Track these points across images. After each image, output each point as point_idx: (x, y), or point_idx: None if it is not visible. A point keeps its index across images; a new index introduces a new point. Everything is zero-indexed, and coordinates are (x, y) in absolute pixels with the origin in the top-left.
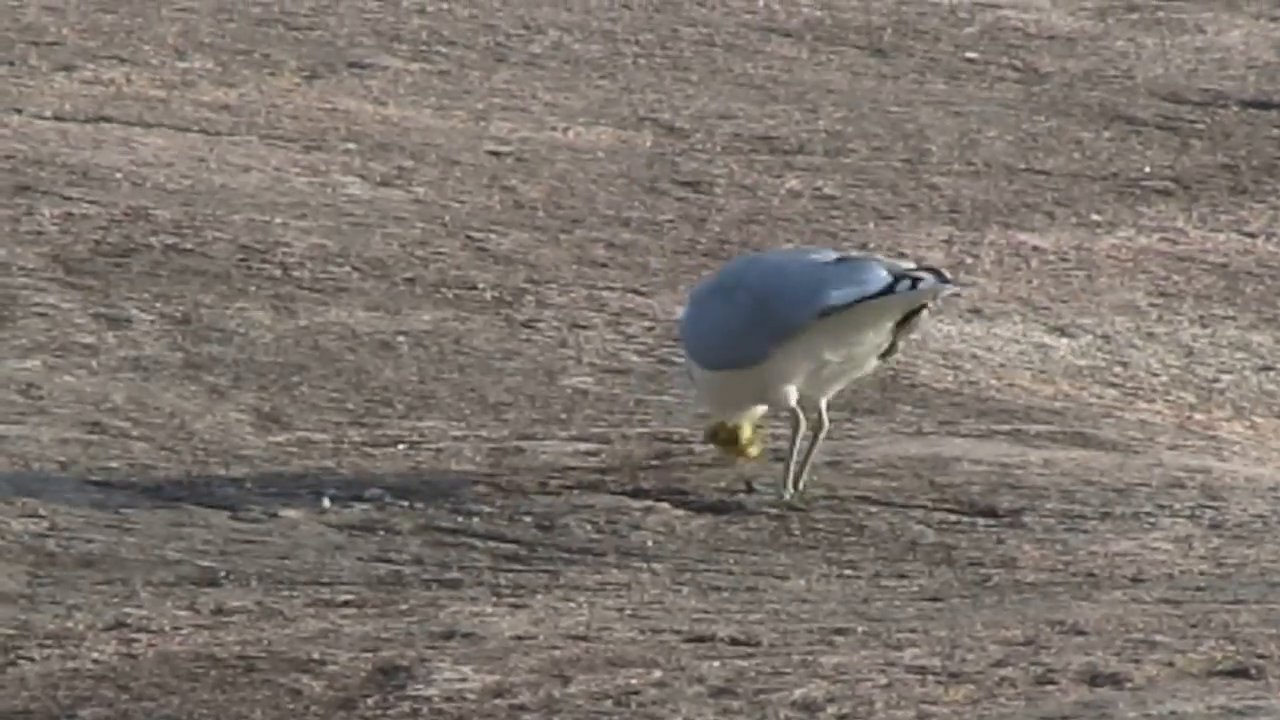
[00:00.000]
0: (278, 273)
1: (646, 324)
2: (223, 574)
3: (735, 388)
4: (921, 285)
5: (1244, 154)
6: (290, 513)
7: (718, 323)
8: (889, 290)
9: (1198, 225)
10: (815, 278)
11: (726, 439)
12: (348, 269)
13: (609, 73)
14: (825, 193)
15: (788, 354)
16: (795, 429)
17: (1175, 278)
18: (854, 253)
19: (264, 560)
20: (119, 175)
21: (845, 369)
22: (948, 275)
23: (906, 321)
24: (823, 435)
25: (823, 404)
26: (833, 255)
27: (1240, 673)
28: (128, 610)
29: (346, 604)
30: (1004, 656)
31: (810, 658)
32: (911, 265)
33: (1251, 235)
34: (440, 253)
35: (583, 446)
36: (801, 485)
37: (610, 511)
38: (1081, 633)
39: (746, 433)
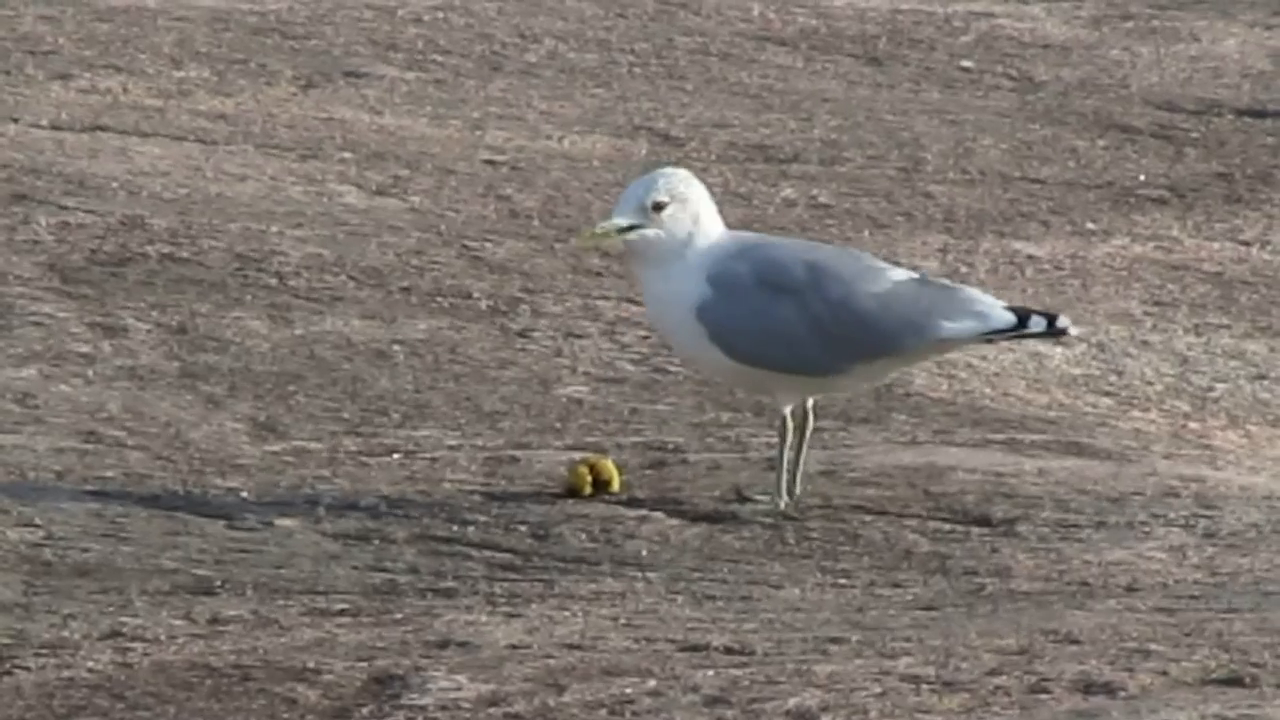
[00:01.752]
0: (273, 282)
1: (641, 333)
2: (218, 583)
3: (759, 380)
4: (1059, 324)
5: (1239, 162)
6: (286, 522)
7: (779, 326)
8: (1018, 328)
9: (1192, 234)
10: (921, 304)
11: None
12: (343, 278)
13: (604, 81)
14: (820, 201)
15: (861, 373)
16: (784, 436)
17: (1170, 286)
18: (915, 271)
19: (260, 569)
20: (115, 184)
21: (875, 383)
22: (1064, 324)
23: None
24: (809, 434)
25: (809, 403)
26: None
27: (1234, 681)
28: (123, 619)
29: (342, 613)
30: (998, 665)
31: (805, 666)
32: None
33: (1246, 244)
34: (436, 262)
35: (578, 455)
36: (796, 492)
37: (605, 521)
38: (1076, 641)
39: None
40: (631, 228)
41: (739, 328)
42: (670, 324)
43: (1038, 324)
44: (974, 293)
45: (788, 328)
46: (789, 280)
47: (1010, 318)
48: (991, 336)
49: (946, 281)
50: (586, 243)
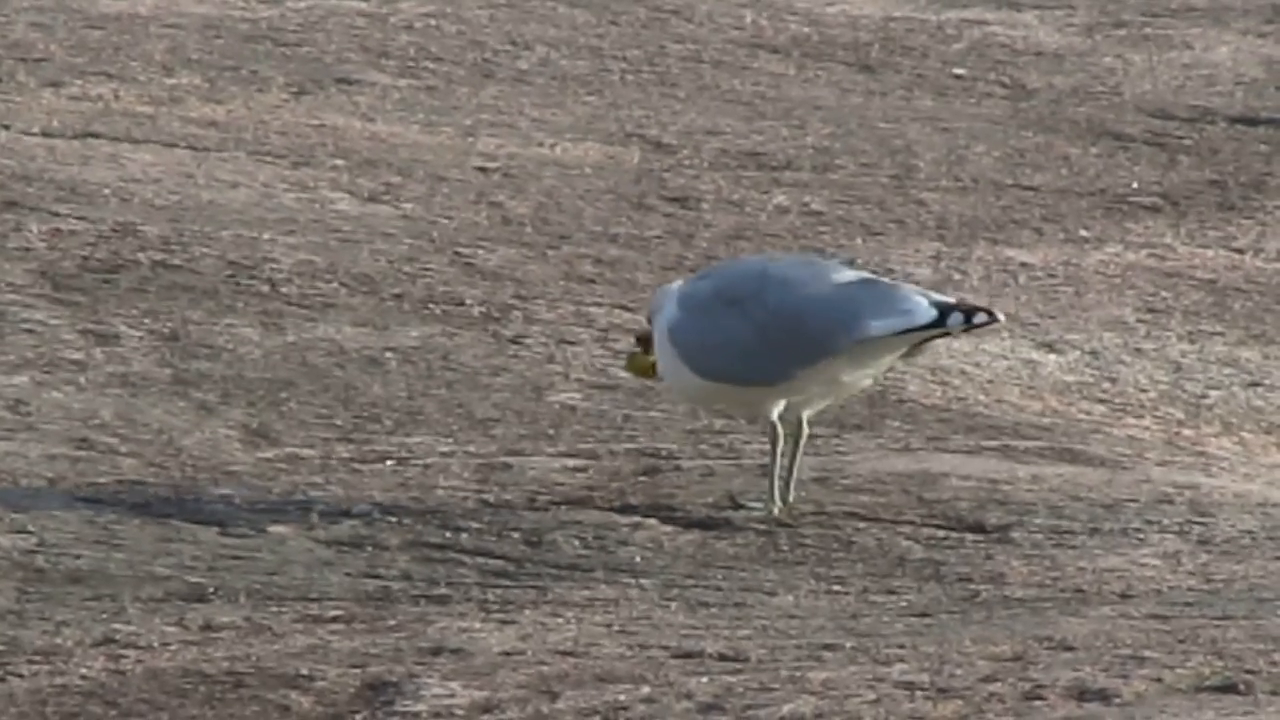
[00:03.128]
0: (266, 289)
1: (634, 340)
2: (211, 590)
3: (728, 396)
4: (977, 320)
5: (1231, 170)
6: (279, 528)
7: (730, 337)
8: (938, 323)
9: (1185, 241)
10: (850, 303)
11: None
12: (335, 285)
13: (596, 89)
14: (813, 209)
15: (808, 377)
16: (775, 443)
17: (1163, 294)
18: (868, 272)
19: (253, 576)
20: (107, 191)
21: (848, 389)
22: (996, 313)
23: (922, 344)
24: (803, 442)
25: (804, 413)
26: (845, 270)
27: (1229, 688)
28: (116, 626)
29: (335, 620)
30: (992, 672)
31: (798, 673)
32: (936, 294)
33: (1239, 251)
34: (428, 269)
35: (570, 462)
36: (790, 498)
37: (598, 527)
38: (1070, 648)
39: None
40: None
41: (699, 343)
42: (660, 357)
43: (955, 320)
44: (908, 290)
45: (739, 337)
46: (740, 291)
47: (933, 314)
48: (920, 332)
49: (888, 280)
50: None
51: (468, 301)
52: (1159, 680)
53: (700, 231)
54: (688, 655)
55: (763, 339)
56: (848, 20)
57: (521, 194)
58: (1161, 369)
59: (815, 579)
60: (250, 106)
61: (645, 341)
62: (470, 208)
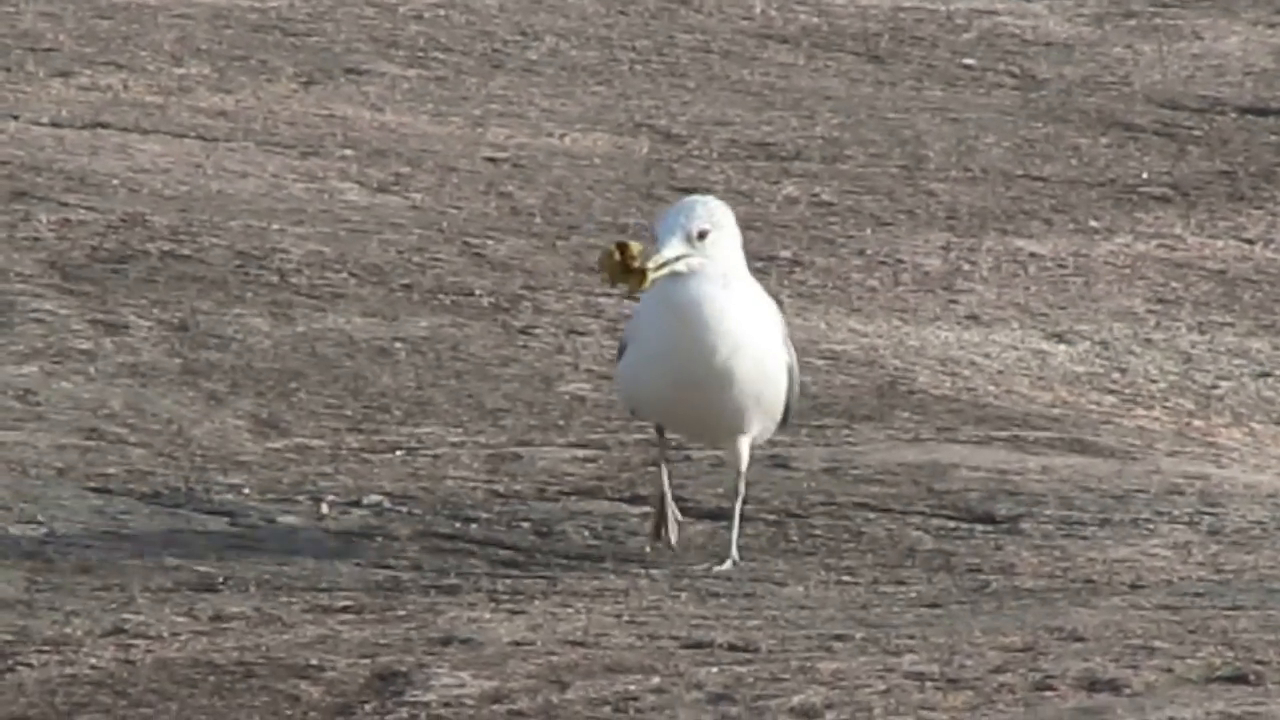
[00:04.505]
0: (275, 279)
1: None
2: (221, 580)
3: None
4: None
5: (1241, 160)
6: (288, 519)
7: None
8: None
9: (1195, 232)
10: None
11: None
12: (345, 275)
13: (606, 79)
14: (822, 199)
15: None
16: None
17: (1173, 284)
18: None
19: (262, 566)
20: (116, 181)
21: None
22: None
23: None
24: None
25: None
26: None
27: (1239, 679)
28: (126, 616)
29: (345, 610)
30: (1002, 663)
31: (809, 664)
32: None
33: (1249, 241)
34: (437, 259)
35: (580, 453)
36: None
37: (608, 518)
38: (1080, 639)
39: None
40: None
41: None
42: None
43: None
44: None
45: None
46: None
47: None
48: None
49: None
50: (646, 286)
51: (477, 292)
52: (1169, 671)
53: None
54: (697, 645)
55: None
56: (857, 10)
57: (531, 184)
58: (1171, 360)
59: (825, 569)
60: (259, 96)
61: (624, 250)
62: (479, 198)
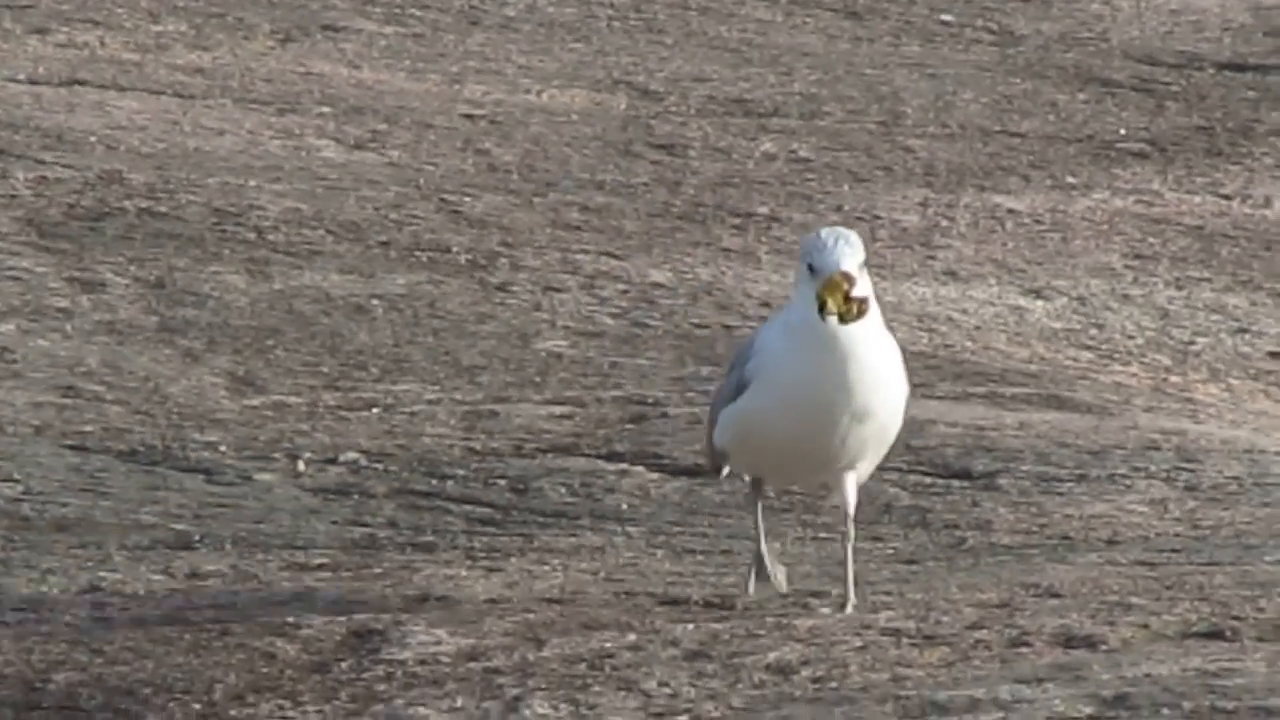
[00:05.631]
0: (252, 236)
1: (620, 287)
2: (197, 538)
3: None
4: None
5: (1219, 116)
6: (265, 476)
7: None
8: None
9: (1173, 187)
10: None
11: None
12: (322, 232)
13: (583, 35)
14: (800, 155)
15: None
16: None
17: (1150, 240)
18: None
19: (239, 524)
20: (93, 139)
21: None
22: None
23: None
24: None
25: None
26: None
27: (1215, 634)
28: (102, 574)
29: (321, 567)
30: (979, 619)
31: (785, 620)
32: None
33: (1227, 197)
34: (414, 216)
35: (557, 410)
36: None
37: (584, 475)
38: (1056, 595)
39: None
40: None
41: None
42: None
43: None
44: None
45: None
46: None
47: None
48: None
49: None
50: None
51: (454, 249)
52: (1145, 626)
53: (687, 179)
54: (674, 602)
55: None
56: None
57: (508, 141)
58: (1148, 315)
59: (801, 526)
60: (236, 54)
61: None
62: (457, 155)
